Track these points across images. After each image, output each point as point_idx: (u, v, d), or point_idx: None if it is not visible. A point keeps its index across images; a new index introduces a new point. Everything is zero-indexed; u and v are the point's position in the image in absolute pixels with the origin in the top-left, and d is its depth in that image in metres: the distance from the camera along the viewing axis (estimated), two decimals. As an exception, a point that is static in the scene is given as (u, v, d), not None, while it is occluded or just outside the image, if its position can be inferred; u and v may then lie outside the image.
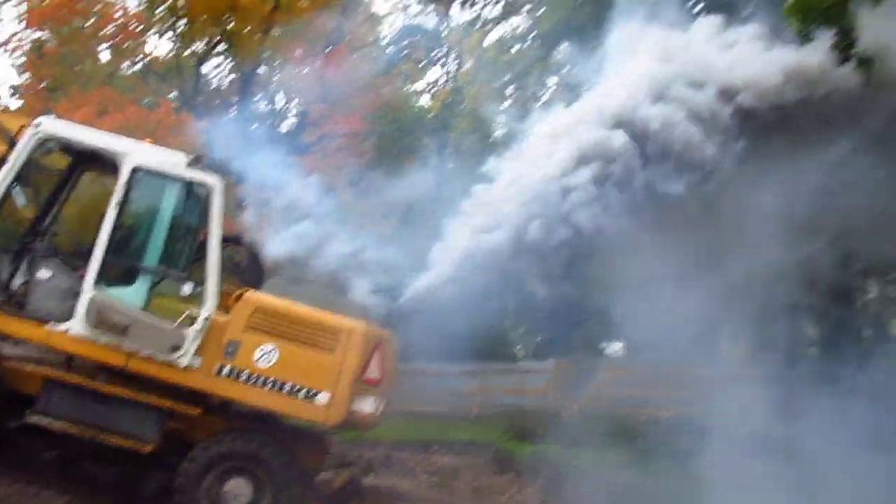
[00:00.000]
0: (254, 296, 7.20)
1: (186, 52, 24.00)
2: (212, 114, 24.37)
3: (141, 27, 22.30)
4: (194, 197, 7.11)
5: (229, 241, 7.67)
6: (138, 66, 22.98)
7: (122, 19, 21.34)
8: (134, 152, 6.98)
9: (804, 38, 7.57)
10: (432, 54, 29.01)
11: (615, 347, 29.50)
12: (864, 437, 10.76)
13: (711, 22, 9.16)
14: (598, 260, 9.30)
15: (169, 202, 7.03)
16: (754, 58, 8.29)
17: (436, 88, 29.65)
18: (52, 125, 7.09)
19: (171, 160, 7.03)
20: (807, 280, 12.09)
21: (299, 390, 6.94)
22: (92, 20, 21.22)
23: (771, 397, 14.95)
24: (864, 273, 17.54)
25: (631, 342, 25.93)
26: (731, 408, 15.75)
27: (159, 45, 25.43)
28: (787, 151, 9.19)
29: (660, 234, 9.45)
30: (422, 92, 31.82)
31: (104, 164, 7.34)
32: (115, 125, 17.96)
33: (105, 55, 22.49)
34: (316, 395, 6.95)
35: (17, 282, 7.05)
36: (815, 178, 9.04)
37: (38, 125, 6.97)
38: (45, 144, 7.04)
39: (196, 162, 7.14)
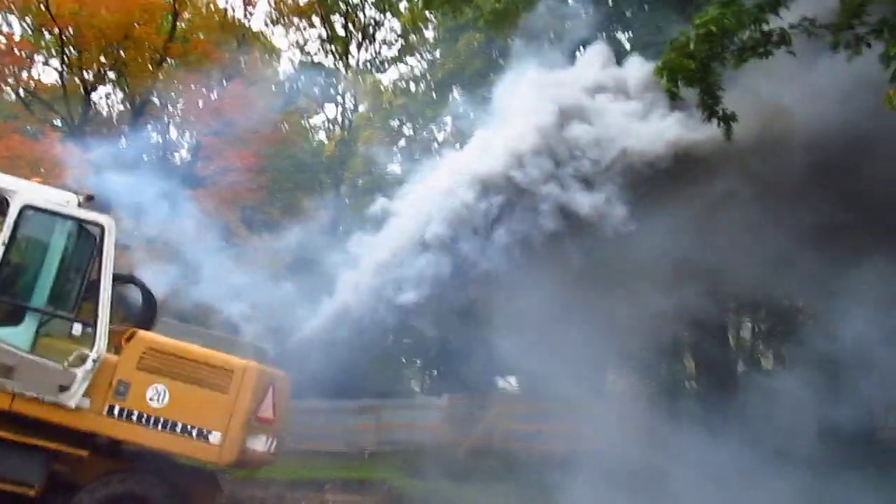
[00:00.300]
0: (145, 336, 7.19)
1: (75, 80, 23.41)
2: (100, 144, 23.78)
3: (26, 54, 21.68)
4: (85, 236, 7.11)
5: (121, 279, 7.63)
6: (22, 93, 22.25)
7: (5, 45, 20.68)
8: (24, 190, 6.91)
9: (672, 95, 8.21)
10: (329, 91, 29.37)
11: (508, 383, 30.14)
12: (732, 467, 11.60)
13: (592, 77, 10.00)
14: (487, 300, 9.79)
15: (59, 241, 7.00)
16: (637, 127, 9.19)
17: (331, 126, 30.02)
18: (-65, 162, 6.96)
19: (62, 199, 6.99)
20: (684, 319, 12.96)
21: (191, 430, 6.97)
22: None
23: (651, 430, 15.80)
24: (737, 311, 18.78)
25: (523, 378, 26.67)
26: (614, 440, 16.54)
27: (45, 72, 24.51)
28: (666, 201, 10.02)
29: (548, 277, 10.08)
30: (318, 129, 32.11)
31: (-8, 201, 7.22)
32: (-2, 155, 17.36)
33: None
34: (208, 434, 6.99)
35: None
36: (691, 224, 9.88)
37: (-80, 162, 6.84)
38: (-69, 183, 6.90)
39: (88, 201, 7.14)
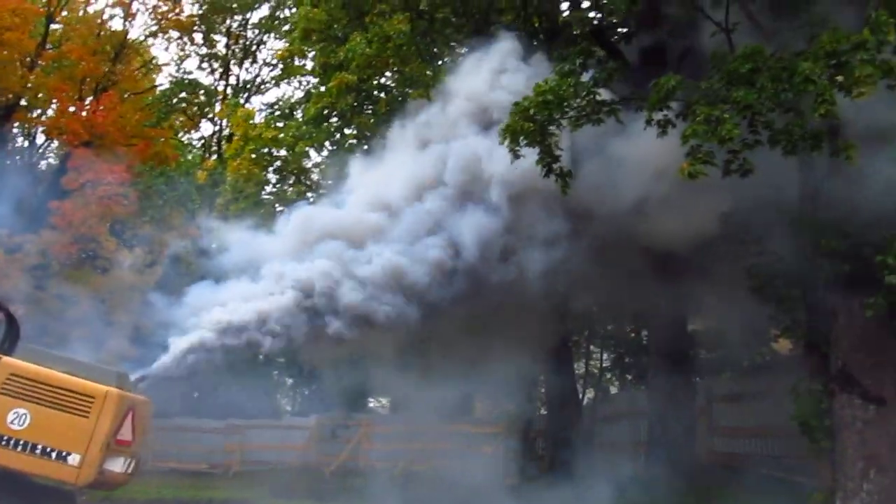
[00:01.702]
0: (8, 361, 7.53)
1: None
2: (-41, 147, 22.95)
3: None
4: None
5: (-14, 305, 7.90)
6: None
7: None
8: None
9: (515, 154, 9.20)
10: (206, 110, 29.26)
11: (380, 403, 30.74)
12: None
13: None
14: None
15: (-74, 270, 7.24)
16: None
17: (207, 145, 29.76)
18: None
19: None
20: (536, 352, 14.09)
21: (51, 452, 7.34)
22: None
23: (503, 452, 16.91)
24: (588, 341, 20.24)
25: (394, 399, 27.35)
26: (470, 461, 17.55)
27: None
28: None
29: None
30: (194, 147, 31.79)
31: None
32: None
33: None
34: (67, 456, 7.38)
35: None
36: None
37: None
38: None
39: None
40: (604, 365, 21.12)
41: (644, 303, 14.02)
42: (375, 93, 13.70)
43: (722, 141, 7.44)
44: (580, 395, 19.20)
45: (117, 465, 7.66)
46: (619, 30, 13.43)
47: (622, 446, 16.28)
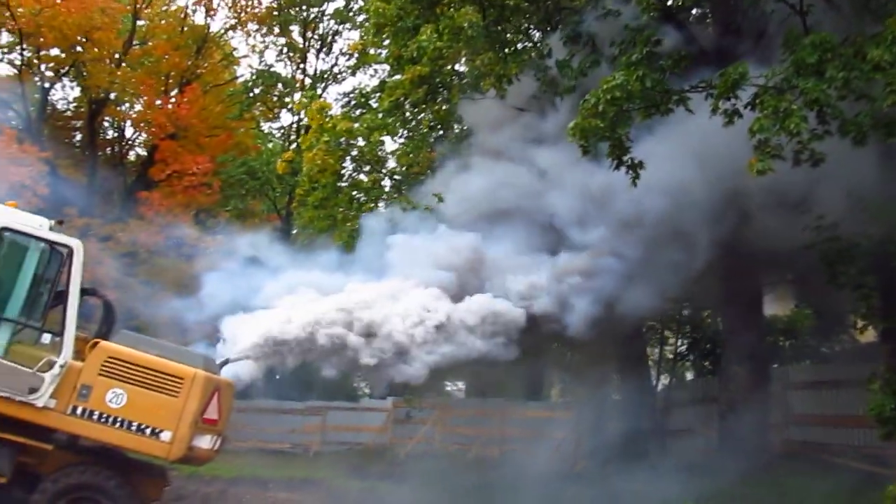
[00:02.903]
0: (107, 345, 8.11)
1: (34, 78, 23.77)
2: (56, 142, 24.19)
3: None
4: (55, 255, 7.99)
5: (85, 292, 8.48)
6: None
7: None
8: (1, 214, 7.78)
9: (585, 151, 9.28)
10: (285, 100, 30.02)
11: (455, 387, 31.16)
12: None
13: None
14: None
15: (32, 260, 7.89)
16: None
17: (286, 135, 30.49)
18: (-80, 187, 7.81)
19: (36, 223, 7.89)
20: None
21: (145, 429, 7.89)
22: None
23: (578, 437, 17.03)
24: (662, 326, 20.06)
25: (469, 383, 27.68)
26: (546, 444, 17.70)
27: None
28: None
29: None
30: (273, 137, 32.65)
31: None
32: (-48, 154, 17.77)
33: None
34: (160, 433, 7.92)
35: None
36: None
37: None
38: (-89, 204, 7.74)
39: (59, 225, 8.04)
40: (678, 351, 20.92)
41: (720, 289, 13.91)
42: (450, 79, 13.85)
43: (790, 134, 7.36)
44: (654, 382, 19.09)
45: (205, 442, 8.18)
46: (693, 11, 13.28)
47: (695, 433, 16.20)
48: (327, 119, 14.41)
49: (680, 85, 9.41)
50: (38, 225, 7.90)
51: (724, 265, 12.29)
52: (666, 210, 10.63)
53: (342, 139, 14.31)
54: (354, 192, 15.04)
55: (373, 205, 14.68)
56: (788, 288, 17.00)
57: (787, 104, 7.41)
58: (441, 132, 15.89)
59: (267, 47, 30.47)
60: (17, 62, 23.33)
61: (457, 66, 14.43)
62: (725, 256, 11.67)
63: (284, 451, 20.73)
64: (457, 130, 14.22)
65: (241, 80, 29.38)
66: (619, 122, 9.16)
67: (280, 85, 29.64)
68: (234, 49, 29.01)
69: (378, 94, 19.16)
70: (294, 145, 27.08)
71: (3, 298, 7.85)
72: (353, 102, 24.40)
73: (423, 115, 15.83)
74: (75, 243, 7.94)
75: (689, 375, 23.03)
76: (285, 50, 30.17)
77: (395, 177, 15.76)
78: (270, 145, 31.19)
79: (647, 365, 18.07)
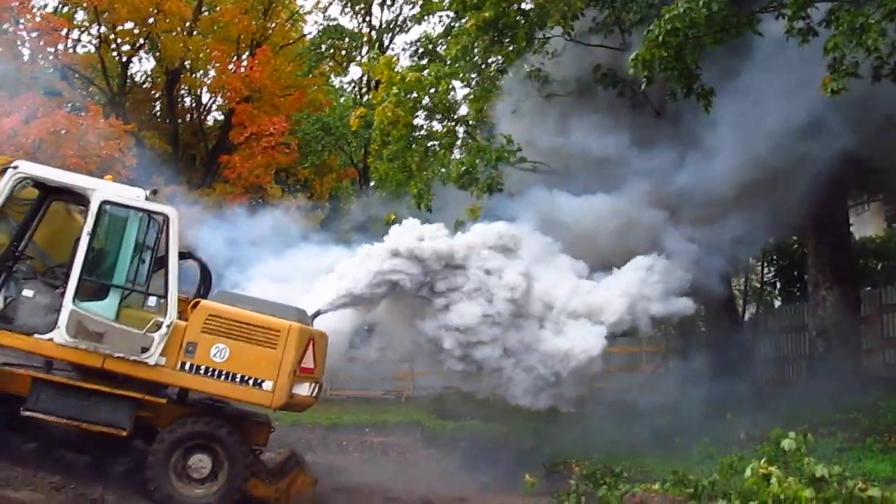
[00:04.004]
0: (207, 304, 8.63)
1: (111, 53, 24.62)
2: (138, 113, 25.12)
3: (64, 31, 22.76)
4: (152, 223, 8.50)
5: (183, 256, 9.00)
6: (60, 67, 23.37)
7: (41, 21, 21.72)
8: (101, 188, 8.32)
9: (649, 82, 9.19)
10: (352, 54, 30.23)
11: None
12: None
13: None
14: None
15: (132, 229, 8.41)
16: None
17: (357, 89, 30.73)
18: (28, 167, 8.39)
19: (133, 194, 8.39)
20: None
21: (248, 380, 8.40)
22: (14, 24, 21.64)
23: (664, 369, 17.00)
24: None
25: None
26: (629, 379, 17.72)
27: (81, 46, 25.61)
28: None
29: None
30: (344, 91, 32.95)
31: (71, 196, 8.64)
32: (45, 131, 18.70)
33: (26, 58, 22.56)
34: (262, 383, 8.42)
35: (1, 300, 8.28)
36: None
37: (16, 167, 8.25)
38: (22, 183, 8.31)
39: (153, 195, 8.53)
40: (765, 279, 20.51)
41: (807, 213, 13.60)
42: (515, 20, 13.71)
43: (868, 50, 7.13)
44: (741, 311, 18.83)
45: (304, 390, 8.64)
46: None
47: (785, 361, 16.03)
48: (395, 72, 14.51)
49: (749, 8, 9.19)
50: (136, 196, 8.39)
51: (811, 187, 12.02)
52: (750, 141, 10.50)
53: (411, 91, 14.41)
54: (429, 143, 15.16)
55: (446, 153, 14.79)
56: (881, 207, 16.44)
57: (864, 18, 7.17)
58: (510, 74, 15.79)
59: (331, 2, 30.63)
60: (95, 39, 24.24)
61: (523, 6, 14.27)
62: (812, 178, 11.41)
63: (377, 398, 21.44)
64: (527, 70, 14.08)
65: (308, 37, 29.71)
66: (685, 51, 9.04)
67: (347, 39, 29.87)
68: (300, 7, 29.30)
69: (445, 41, 19.07)
70: (365, 98, 27.33)
71: (110, 267, 8.41)
72: (420, 51, 24.40)
73: (491, 59, 15.75)
74: (171, 211, 8.42)
75: (777, 303, 22.59)
76: (350, 3, 30.26)
77: (470, 122, 15.76)
78: (342, 100, 31.54)
79: (732, 292, 17.82)
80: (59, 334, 8.02)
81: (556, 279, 11.00)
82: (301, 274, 10.53)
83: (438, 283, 10.06)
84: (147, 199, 8.42)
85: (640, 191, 11.58)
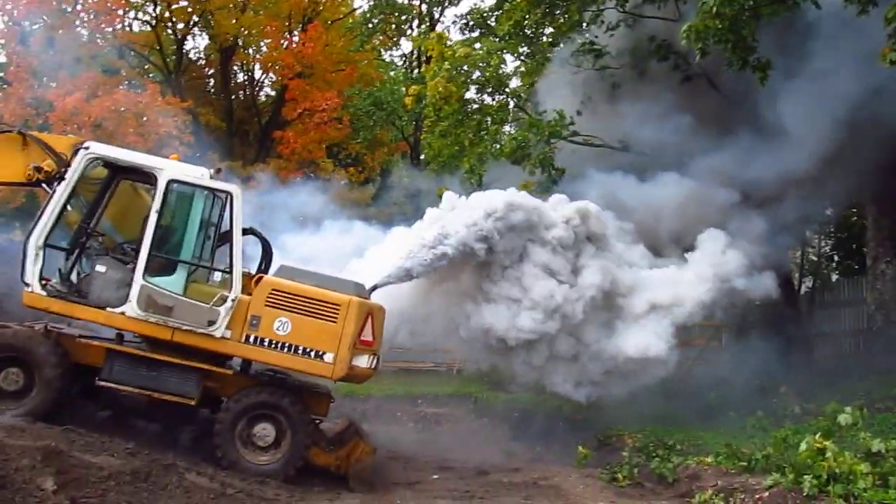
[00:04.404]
0: (270, 279, 8.92)
1: (167, 31, 25.05)
2: (193, 91, 25.57)
3: (120, 10, 23.23)
4: (217, 201, 8.79)
5: (245, 232, 9.27)
6: (118, 46, 23.88)
7: (101, 2, 22.20)
8: (168, 167, 8.64)
9: (703, 54, 9.11)
10: (403, 27, 30.23)
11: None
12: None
13: None
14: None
15: (198, 207, 8.71)
16: None
17: (406, 65, 30.64)
18: (99, 148, 8.74)
19: (198, 173, 8.68)
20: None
21: (310, 352, 8.69)
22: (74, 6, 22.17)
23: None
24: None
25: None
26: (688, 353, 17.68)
27: (136, 26, 26.08)
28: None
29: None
30: (395, 65, 32.96)
31: (139, 175, 8.98)
32: (106, 109, 19.23)
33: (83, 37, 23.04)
34: (323, 355, 8.70)
35: (76, 275, 8.70)
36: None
37: (87, 148, 8.60)
38: (93, 163, 8.67)
39: (217, 173, 8.82)
40: (822, 252, 20.21)
41: (868, 185, 13.35)
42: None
43: (929, 21, 7.00)
44: (797, 285, 18.60)
45: (363, 362, 8.90)
46: None
47: (842, 336, 15.82)
48: (447, 47, 14.58)
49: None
50: (200, 175, 8.68)
51: (873, 160, 11.81)
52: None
53: (463, 65, 14.46)
54: (481, 117, 15.21)
55: (498, 127, 14.87)
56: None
57: (928, -14, 7.03)
58: (561, 46, 15.72)
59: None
60: (151, 18, 24.68)
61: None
62: (874, 150, 11.22)
63: (429, 370, 21.69)
64: (580, 42, 14.02)
65: (359, 12, 29.77)
66: (741, 22, 8.94)
67: (397, 13, 29.85)
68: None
69: (495, 14, 18.98)
70: (416, 73, 27.32)
71: (177, 243, 8.74)
72: (470, 24, 24.30)
73: (542, 31, 15.71)
74: (234, 188, 8.71)
75: (835, 276, 22.22)
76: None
77: (521, 95, 15.76)
78: (393, 74, 31.64)
79: (788, 266, 17.60)
80: (131, 308, 8.40)
81: (631, 269, 11.04)
82: (354, 252, 10.77)
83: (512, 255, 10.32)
84: (211, 177, 8.70)
85: (710, 169, 11.48)
